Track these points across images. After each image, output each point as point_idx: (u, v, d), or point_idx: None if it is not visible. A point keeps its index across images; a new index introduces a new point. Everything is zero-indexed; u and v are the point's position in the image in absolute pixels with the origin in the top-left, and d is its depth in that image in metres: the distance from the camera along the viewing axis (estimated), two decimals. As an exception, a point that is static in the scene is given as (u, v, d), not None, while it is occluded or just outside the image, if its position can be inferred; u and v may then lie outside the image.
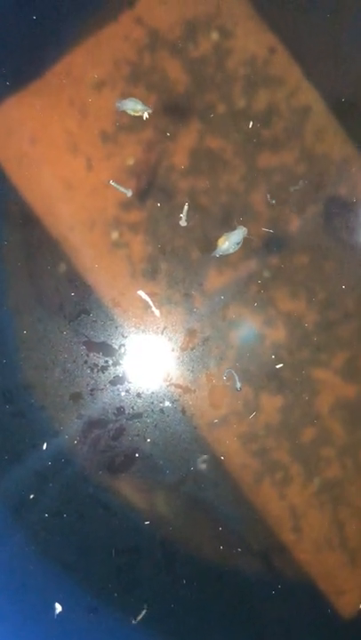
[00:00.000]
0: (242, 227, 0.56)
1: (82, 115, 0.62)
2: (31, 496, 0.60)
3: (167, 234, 0.61)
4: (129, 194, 0.56)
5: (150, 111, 0.52)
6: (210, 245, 0.61)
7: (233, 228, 0.55)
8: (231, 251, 0.55)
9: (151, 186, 0.62)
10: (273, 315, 0.62)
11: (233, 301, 0.62)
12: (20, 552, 0.60)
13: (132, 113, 0.52)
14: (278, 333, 0.62)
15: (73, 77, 0.62)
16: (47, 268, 0.62)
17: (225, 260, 0.61)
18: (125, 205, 0.62)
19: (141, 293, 0.59)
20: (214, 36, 0.62)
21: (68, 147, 0.62)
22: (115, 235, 0.62)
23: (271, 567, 0.61)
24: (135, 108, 0.52)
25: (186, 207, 0.57)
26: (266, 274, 0.62)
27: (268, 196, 0.57)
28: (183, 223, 0.58)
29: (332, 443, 0.62)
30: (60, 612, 0.59)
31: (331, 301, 0.62)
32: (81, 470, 0.60)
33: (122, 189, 0.55)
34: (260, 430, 0.61)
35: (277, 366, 0.61)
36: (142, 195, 0.62)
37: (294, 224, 0.62)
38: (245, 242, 0.61)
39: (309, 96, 0.62)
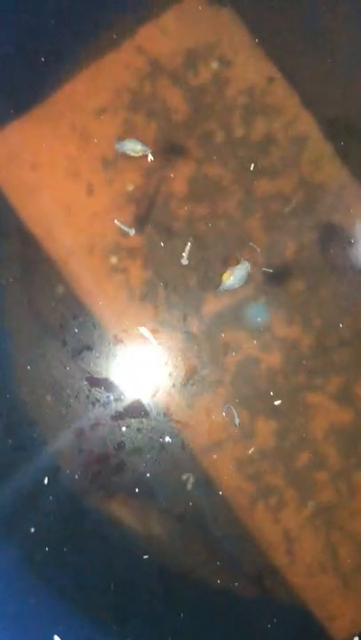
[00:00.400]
0: (245, 261, 0.56)
1: (83, 140, 0.63)
2: (32, 530, 0.60)
3: (165, 259, 0.62)
4: (132, 233, 0.57)
5: (151, 151, 0.53)
6: (207, 271, 0.62)
7: (236, 262, 0.55)
8: (236, 286, 0.55)
9: (150, 212, 0.63)
10: (269, 340, 0.63)
11: (229, 326, 0.63)
12: (20, 585, 0.61)
13: (133, 154, 0.53)
14: (274, 358, 0.63)
15: (74, 104, 0.63)
16: (46, 291, 0.63)
17: (221, 284, 0.62)
18: (125, 232, 0.63)
19: (143, 330, 0.60)
20: (214, 65, 0.63)
21: (69, 172, 0.63)
22: (114, 259, 0.63)
23: (265, 590, 0.62)
24: (135, 148, 0.52)
25: (188, 246, 0.58)
26: (262, 300, 0.63)
27: (252, 244, 0.58)
28: (185, 262, 0.59)
29: (326, 467, 0.62)
30: None
31: (326, 327, 0.63)
32: (81, 505, 0.61)
33: (125, 228, 0.56)
34: (254, 454, 0.62)
35: (272, 392, 0.62)
36: (141, 221, 0.63)
37: (291, 250, 0.63)
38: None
39: (307, 125, 0.63)
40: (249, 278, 0.53)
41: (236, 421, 0.61)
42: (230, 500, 0.62)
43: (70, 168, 0.63)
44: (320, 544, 0.62)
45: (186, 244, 0.58)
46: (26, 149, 0.63)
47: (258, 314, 0.63)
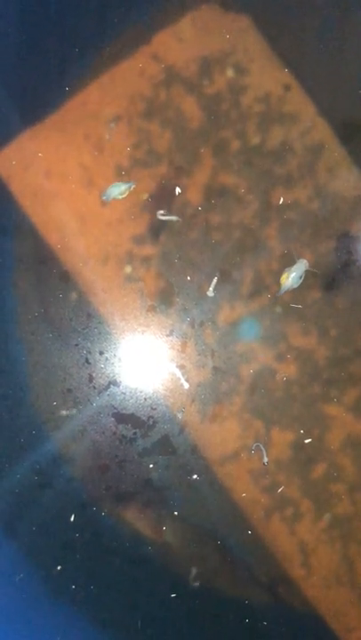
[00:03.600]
0: (302, 259, 0.56)
1: (97, 149, 0.63)
2: (59, 567, 0.61)
3: (180, 268, 0.62)
4: (177, 219, 0.56)
5: (134, 185, 0.54)
6: (221, 279, 0.62)
7: (292, 262, 0.55)
8: (295, 286, 0.55)
9: (165, 221, 0.62)
10: (284, 350, 0.62)
11: (244, 335, 0.62)
12: (47, 622, 0.61)
13: (120, 197, 0.54)
14: (290, 368, 0.62)
15: (89, 112, 0.63)
16: (59, 297, 0.63)
17: (237, 294, 0.62)
18: (139, 240, 0.62)
19: (172, 366, 0.60)
20: (230, 72, 0.63)
21: (83, 181, 0.63)
22: (128, 269, 0.63)
23: (280, 601, 0.61)
24: (120, 190, 0.54)
25: (215, 280, 0.58)
26: (277, 309, 0.62)
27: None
28: (211, 294, 0.59)
29: (342, 479, 0.62)
30: None
31: (342, 337, 0.62)
32: (108, 542, 0.61)
33: (171, 218, 0.55)
34: (270, 465, 0.62)
35: (287, 403, 0.61)
36: (156, 230, 0.62)
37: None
38: (256, 279, 0.62)
39: (324, 133, 0.62)
40: (305, 276, 0.53)
41: (265, 460, 0.60)
42: (246, 512, 0.62)
43: (84, 177, 0.63)
44: (336, 556, 0.62)
45: (213, 280, 0.58)
46: (40, 158, 0.63)
47: (274, 322, 0.62)
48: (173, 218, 0.57)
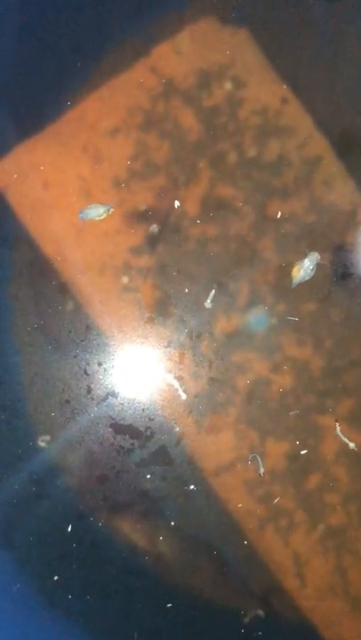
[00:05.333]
0: (314, 252, 0.58)
1: (95, 161, 0.63)
2: (55, 577, 0.61)
3: (177, 280, 0.62)
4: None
5: (113, 209, 0.55)
6: (218, 291, 0.62)
7: (304, 256, 0.57)
8: (307, 278, 0.58)
9: (162, 232, 0.63)
10: (280, 360, 0.63)
11: (240, 347, 0.63)
12: (43, 630, 0.62)
13: (97, 218, 0.55)
14: (285, 379, 0.63)
15: (87, 123, 0.64)
16: (56, 309, 0.63)
17: (232, 305, 0.63)
18: (136, 251, 0.63)
19: (170, 377, 0.61)
20: (228, 85, 0.63)
21: (82, 193, 0.63)
22: (125, 279, 0.63)
23: (273, 612, 0.62)
24: (98, 212, 0.56)
25: (213, 292, 0.59)
26: (273, 320, 0.63)
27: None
28: (208, 305, 0.60)
29: (337, 490, 0.62)
30: None
31: (337, 349, 0.63)
32: (105, 553, 0.62)
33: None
34: (265, 476, 0.62)
35: (282, 413, 0.62)
36: (153, 240, 0.63)
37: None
38: (253, 290, 0.62)
39: (320, 146, 0.63)
40: (315, 271, 0.55)
41: (261, 471, 0.61)
42: (241, 522, 0.62)
43: (82, 188, 0.63)
44: (330, 567, 0.63)
45: (211, 293, 0.59)
46: (38, 169, 0.63)
47: (269, 333, 0.63)
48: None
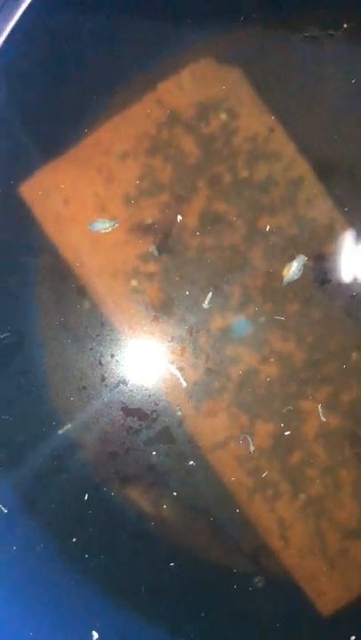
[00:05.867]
0: (301, 254, 0.67)
1: (108, 180, 0.72)
2: (74, 539, 0.70)
3: (179, 283, 0.72)
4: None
5: (117, 223, 0.64)
6: (214, 293, 0.72)
7: (292, 259, 0.66)
8: (295, 277, 0.66)
9: (166, 242, 0.72)
10: (267, 353, 0.72)
11: (233, 341, 0.72)
12: (62, 585, 0.71)
13: (103, 231, 0.64)
14: (271, 369, 0.72)
15: (101, 148, 0.72)
16: (76, 308, 0.72)
17: (226, 306, 0.72)
18: (143, 258, 0.72)
19: (172, 368, 0.69)
20: (223, 116, 0.72)
21: (96, 207, 0.72)
22: (134, 282, 0.72)
23: (260, 568, 0.71)
24: (105, 226, 0.64)
25: (210, 294, 0.67)
26: (262, 319, 0.72)
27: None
28: (206, 306, 0.68)
29: (315, 465, 0.72)
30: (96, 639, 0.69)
31: (317, 344, 0.72)
32: (116, 518, 0.70)
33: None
34: (254, 452, 0.72)
35: (269, 399, 0.71)
36: (158, 249, 0.72)
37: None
38: (244, 293, 0.72)
39: (303, 168, 0.72)
40: (304, 269, 0.63)
41: (251, 448, 0.69)
42: (233, 492, 0.72)
43: (97, 204, 0.72)
44: (310, 531, 0.72)
45: (208, 294, 0.67)
46: (59, 187, 0.72)
47: (258, 330, 0.72)
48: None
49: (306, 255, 0.71)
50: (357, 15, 0.69)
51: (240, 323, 0.71)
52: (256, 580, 0.70)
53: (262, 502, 0.72)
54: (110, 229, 0.69)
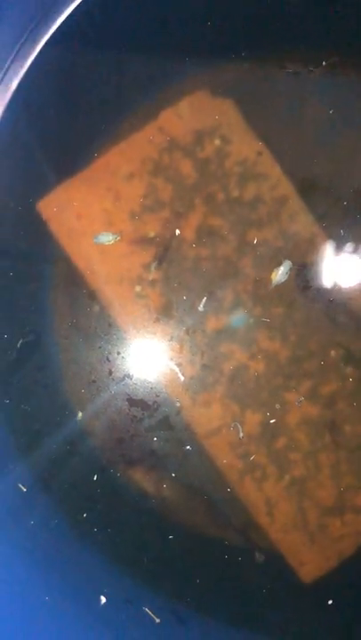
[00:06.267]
0: (288, 260, 0.74)
1: (116, 198, 0.80)
2: (84, 515, 0.77)
3: (178, 289, 0.80)
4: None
5: (119, 237, 0.71)
6: (209, 298, 0.80)
7: (280, 264, 0.72)
8: (283, 280, 0.72)
9: (166, 252, 0.80)
10: (256, 351, 0.78)
11: (226, 340, 0.80)
12: (72, 554, 0.77)
13: (107, 243, 0.72)
14: (259, 365, 0.78)
15: (110, 170, 0.78)
16: (85, 310, 0.81)
17: (220, 309, 0.80)
18: (146, 267, 0.81)
19: (172, 364, 0.76)
20: (217, 142, 0.76)
21: (105, 222, 0.80)
22: (138, 288, 0.80)
23: (249, 541, 0.79)
24: (108, 239, 0.72)
25: (204, 299, 0.73)
26: (251, 320, 0.80)
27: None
28: (201, 309, 0.74)
29: (298, 449, 0.77)
30: (103, 603, 0.76)
31: (299, 342, 0.78)
32: (122, 496, 0.76)
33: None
34: (244, 438, 0.80)
35: (257, 391, 0.80)
36: (160, 259, 0.81)
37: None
38: (236, 298, 0.80)
39: (287, 188, 0.76)
40: (290, 273, 0.69)
41: (241, 435, 0.76)
42: (225, 474, 0.80)
43: (106, 219, 0.80)
44: (293, 508, 0.79)
45: (203, 299, 0.74)
46: (72, 204, 0.80)
47: (248, 330, 0.80)
48: None
49: (291, 264, 0.79)
50: (335, 54, 0.78)
51: (239, 317, 0.79)
52: (245, 551, 0.78)
53: (251, 483, 0.79)
54: (113, 242, 0.76)
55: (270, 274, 0.77)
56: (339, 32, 0.76)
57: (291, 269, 0.73)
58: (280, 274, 0.72)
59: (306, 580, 0.78)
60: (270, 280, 0.75)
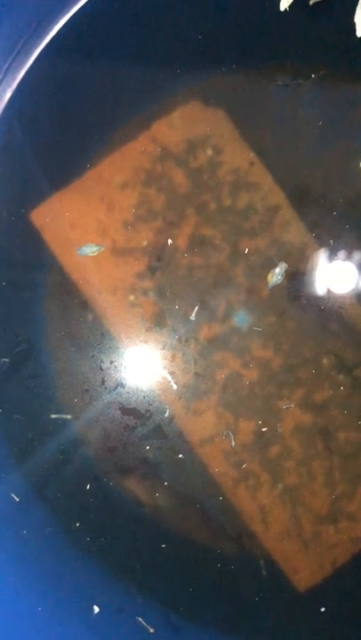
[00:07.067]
0: (283, 262, 0.75)
1: (109, 208, 0.81)
2: (77, 524, 0.77)
3: (170, 299, 0.81)
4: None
5: (103, 248, 0.72)
6: (202, 306, 0.81)
7: (275, 266, 0.74)
8: (278, 282, 0.73)
9: (159, 262, 0.81)
10: (249, 359, 0.79)
11: (219, 349, 0.81)
12: (66, 563, 0.77)
13: (91, 254, 0.73)
14: (253, 373, 0.79)
15: (103, 180, 0.79)
16: (80, 320, 0.81)
17: (213, 317, 0.81)
18: (139, 276, 0.82)
19: (164, 372, 0.77)
20: (209, 151, 0.77)
21: (99, 232, 0.81)
22: (131, 297, 0.81)
23: (243, 549, 0.79)
24: (92, 250, 0.73)
25: (196, 308, 0.74)
26: (244, 329, 0.81)
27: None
28: (193, 318, 0.75)
29: (292, 457, 0.78)
30: (97, 613, 0.76)
31: (292, 351, 0.79)
32: (114, 505, 0.77)
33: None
34: (237, 447, 0.80)
35: (251, 399, 0.80)
36: (153, 268, 0.81)
37: (265, 292, 0.81)
38: (228, 305, 0.81)
39: (278, 197, 0.76)
40: (285, 275, 0.71)
41: (233, 444, 0.76)
42: (219, 482, 0.80)
43: (100, 229, 0.81)
44: (287, 516, 0.80)
45: (195, 308, 0.75)
46: (66, 214, 0.80)
47: (240, 339, 0.81)
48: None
49: (283, 272, 0.80)
50: (323, 68, 0.79)
51: (241, 315, 0.79)
52: (239, 559, 0.79)
53: (245, 491, 0.79)
54: (97, 252, 0.77)
55: (263, 281, 0.78)
56: (326, 46, 0.77)
57: (286, 271, 0.73)
58: (276, 275, 0.73)
59: (300, 588, 0.78)
60: (266, 282, 0.75)
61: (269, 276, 0.73)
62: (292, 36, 0.78)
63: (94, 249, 0.75)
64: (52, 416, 0.78)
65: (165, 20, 0.79)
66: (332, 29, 0.77)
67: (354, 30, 0.75)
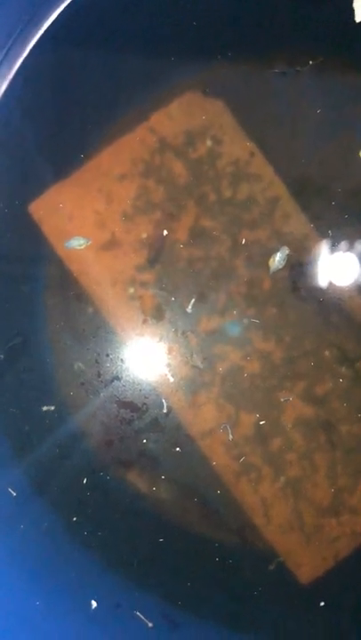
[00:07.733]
0: (285, 247, 0.74)
1: (108, 200, 0.80)
2: (75, 518, 0.77)
3: (170, 291, 0.80)
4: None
5: (90, 241, 0.72)
6: (203, 299, 0.80)
7: (276, 250, 0.73)
8: (280, 267, 0.73)
9: (159, 254, 0.80)
10: (250, 351, 0.78)
11: (219, 341, 0.80)
12: (68, 560, 0.77)
13: (78, 247, 0.72)
14: (254, 366, 0.79)
15: (102, 171, 0.78)
16: (79, 312, 0.81)
17: (213, 308, 0.80)
18: (139, 269, 0.81)
19: (162, 365, 0.75)
20: (208, 142, 0.76)
21: (97, 223, 0.80)
22: (131, 290, 0.80)
23: (246, 543, 0.78)
24: (79, 243, 0.72)
25: (193, 300, 0.73)
26: (245, 321, 0.80)
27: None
28: (189, 310, 0.75)
29: (294, 450, 0.77)
30: (95, 608, 0.76)
31: (293, 342, 0.79)
32: (113, 499, 0.77)
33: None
34: (239, 439, 0.80)
35: (252, 392, 0.80)
36: (152, 261, 0.80)
37: (267, 284, 0.80)
38: (228, 297, 0.80)
39: (279, 188, 0.76)
40: (287, 260, 0.70)
41: (230, 437, 0.76)
42: (219, 475, 0.79)
43: (98, 220, 0.80)
44: (289, 509, 0.79)
45: (192, 300, 0.74)
46: (64, 206, 0.79)
47: (241, 332, 0.80)
48: None
49: (284, 263, 0.79)
50: (320, 54, 0.78)
51: (231, 325, 0.79)
52: (241, 553, 0.78)
53: (247, 484, 0.79)
54: (84, 246, 0.76)
55: (263, 273, 0.77)
56: (324, 33, 0.77)
57: (287, 261, 0.72)
58: (277, 260, 0.72)
59: (303, 581, 0.77)
60: (267, 273, 0.75)
61: (271, 260, 0.72)
62: (290, 23, 0.77)
63: (82, 242, 0.74)
64: (44, 408, 0.76)
65: (161, 8, 0.78)
66: (330, 15, 0.76)
67: (352, 16, 0.74)
